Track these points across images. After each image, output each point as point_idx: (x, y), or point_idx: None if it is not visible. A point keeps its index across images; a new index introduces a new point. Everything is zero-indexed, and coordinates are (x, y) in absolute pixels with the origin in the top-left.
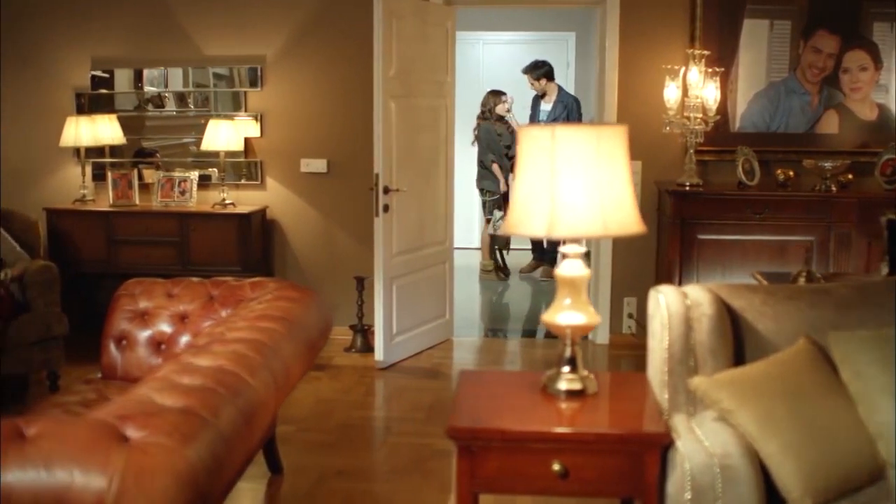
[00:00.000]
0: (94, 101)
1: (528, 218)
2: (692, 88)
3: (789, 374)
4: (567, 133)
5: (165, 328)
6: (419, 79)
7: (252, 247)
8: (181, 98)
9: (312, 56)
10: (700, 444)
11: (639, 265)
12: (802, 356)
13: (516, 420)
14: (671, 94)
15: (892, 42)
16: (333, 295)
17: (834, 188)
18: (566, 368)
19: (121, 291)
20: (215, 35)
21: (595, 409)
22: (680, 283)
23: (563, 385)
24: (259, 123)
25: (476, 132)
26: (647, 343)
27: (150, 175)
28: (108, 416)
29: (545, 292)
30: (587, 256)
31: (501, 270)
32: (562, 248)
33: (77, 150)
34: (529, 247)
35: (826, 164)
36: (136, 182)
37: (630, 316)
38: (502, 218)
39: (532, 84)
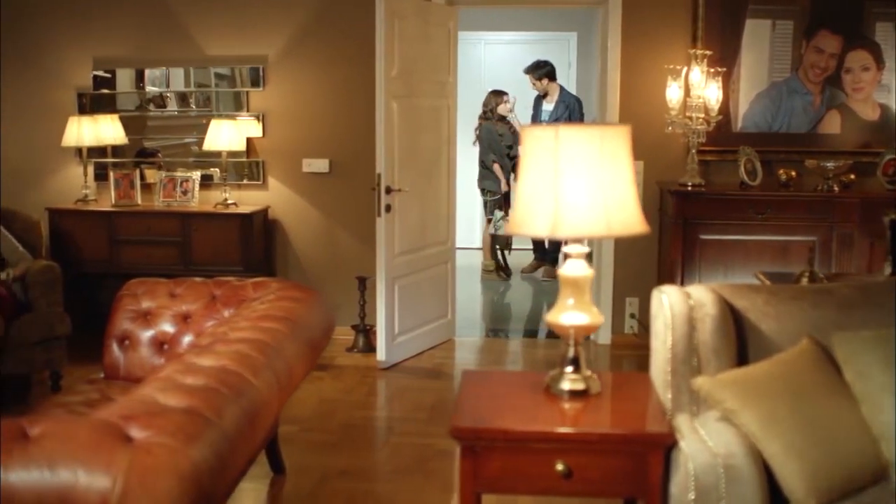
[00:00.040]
0: (95, 101)
1: (531, 218)
2: (694, 88)
3: (792, 374)
4: (571, 133)
5: (168, 328)
6: (421, 79)
7: (254, 247)
8: (183, 98)
9: (314, 56)
10: (703, 444)
11: (641, 265)
12: (805, 356)
13: (519, 420)
14: (673, 94)
15: (894, 42)
16: (335, 295)
17: (836, 188)
18: (569, 368)
19: (123, 291)
20: (217, 35)
21: (598, 409)
22: (682, 284)
23: (566, 385)
24: (261, 123)
25: (477, 132)
26: (649, 343)
27: (152, 175)
28: (111, 416)
29: (547, 292)
30: (589, 257)
31: (503, 270)
32: (565, 249)
33: (79, 150)
34: (531, 247)
35: (828, 165)
36: (138, 182)
37: (632, 316)
38: (503, 218)
39: (534, 84)
